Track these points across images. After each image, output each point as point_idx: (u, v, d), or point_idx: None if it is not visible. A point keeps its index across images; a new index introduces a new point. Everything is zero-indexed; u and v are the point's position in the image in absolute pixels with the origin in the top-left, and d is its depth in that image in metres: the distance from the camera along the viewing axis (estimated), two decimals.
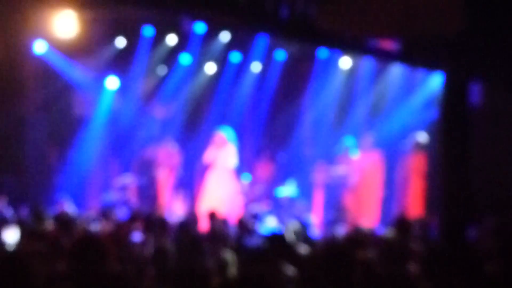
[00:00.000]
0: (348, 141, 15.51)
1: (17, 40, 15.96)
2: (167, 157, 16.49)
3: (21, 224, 9.21)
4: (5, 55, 16.07)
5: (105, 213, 11.43)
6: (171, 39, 16.15)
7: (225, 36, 15.74)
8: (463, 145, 8.08)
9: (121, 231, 8.86)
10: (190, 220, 10.92)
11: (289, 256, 3.81)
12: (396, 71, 14.99)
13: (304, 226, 10.21)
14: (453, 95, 8.11)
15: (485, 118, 12.59)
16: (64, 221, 9.56)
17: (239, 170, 16.09)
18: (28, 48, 15.99)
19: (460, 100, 8.16)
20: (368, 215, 14.47)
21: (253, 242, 3.62)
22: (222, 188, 14.76)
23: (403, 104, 15.58)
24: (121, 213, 12.22)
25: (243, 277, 3.60)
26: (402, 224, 9.08)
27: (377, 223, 13.64)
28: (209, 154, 14.98)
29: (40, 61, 16.07)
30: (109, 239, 7.37)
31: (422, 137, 14.78)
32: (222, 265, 5.92)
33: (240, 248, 3.73)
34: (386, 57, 8.92)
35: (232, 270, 5.80)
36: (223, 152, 14.75)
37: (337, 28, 7.12)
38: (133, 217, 10.45)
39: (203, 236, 8.78)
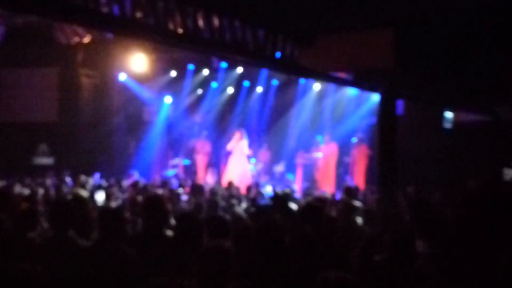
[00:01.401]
0: (318, 137, 15.56)
1: (109, 72, 16.02)
2: (202, 147, 16.49)
3: (108, 189, 9.22)
4: (101, 82, 16.13)
5: (164, 183, 11.41)
6: (205, 71, 16.11)
7: (239, 69, 15.69)
8: (392, 140, 8.00)
9: (173, 194, 8.83)
10: (217, 187, 10.93)
11: (286, 209, 3.78)
12: (349, 92, 14.96)
13: (291, 191, 10.21)
14: (385, 108, 8.03)
15: (406, 122, 12.55)
16: (137, 187, 9.57)
17: (249, 156, 16.14)
18: (115, 77, 16.04)
19: (390, 111, 8.07)
20: (329, 185, 14.47)
21: (262, 201, 3.61)
22: (238, 167, 14.78)
23: (353, 113, 15.55)
24: (173, 183, 12.22)
25: (259, 224, 3.53)
26: (350, 191, 9.07)
27: (334, 190, 13.58)
28: (230, 145, 15.01)
29: (123, 86, 16.13)
30: (166, 199, 7.36)
31: (364, 134, 14.79)
32: (238, 217, 5.93)
33: (254, 205, 3.71)
34: (342, 83, 8.84)
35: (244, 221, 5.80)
36: (240, 144, 14.83)
37: (312, 65, 7.05)
38: (181, 185, 10.44)
39: (224, 197, 8.78)
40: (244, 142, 14.89)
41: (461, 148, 13.24)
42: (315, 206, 5.09)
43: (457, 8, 6.20)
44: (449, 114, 13.64)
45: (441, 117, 13.49)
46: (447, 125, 13.62)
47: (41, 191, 8.87)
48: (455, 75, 8.20)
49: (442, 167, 13.22)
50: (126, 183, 11.17)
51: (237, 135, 14.97)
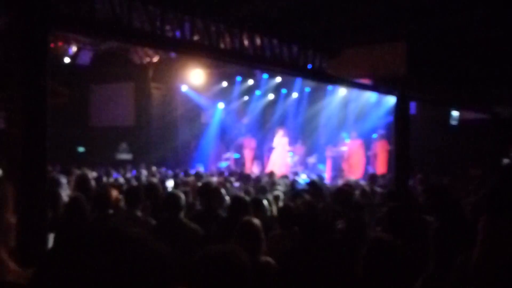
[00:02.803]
0: (343, 134, 15.36)
1: (173, 85, 16.26)
2: (249, 143, 16.52)
3: (175, 178, 9.34)
4: (167, 93, 16.38)
5: (219, 172, 11.49)
6: (250, 81, 16.11)
7: (278, 79, 15.57)
8: (406, 136, 7.79)
9: (226, 181, 8.87)
10: (261, 175, 10.91)
11: (319, 193, 3.75)
12: (369, 95, 14.68)
13: (322, 178, 10.11)
14: (400, 108, 7.82)
15: (418, 121, 12.22)
16: (198, 175, 9.67)
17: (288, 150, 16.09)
18: (179, 89, 16.25)
19: (404, 111, 7.85)
20: (355, 174, 14.22)
21: (299, 186, 3.56)
22: (279, 160, 14.76)
23: (373, 113, 15.23)
24: (226, 172, 12.31)
25: (297, 206, 3.54)
26: (371, 178, 8.91)
27: (360, 178, 13.34)
28: (274, 141, 14.98)
29: (185, 95, 16.32)
30: (221, 185, 7.41)
31: (384, 131, 14.48)
32: (276, 198, 5.91)
33: (293, 189, 3.69)
34: (363, 88, 8.66)
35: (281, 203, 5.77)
36: (281, 140, 14.79)
37: (337, 73, 6.93)
38: (231, 174, 10.47)
39: (268, 183, 8.77)
40: (285, 139, 14.86)
41: (465, 142, 12.88)
42: (345, 190, 5.03)
43: (460, 23, 5.98)
44: (455, 113, 13.18)
45: (448, 116, 13.06)
46: (453, 123, 13.17)
47: (121, 180, 9.07)
48: (460, 79, 7.92)
49: (449, 158, 12.84)
50: (190, 173, 11.29)
51: (279, 132, 14.94)
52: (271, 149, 15.44)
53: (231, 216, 4.10)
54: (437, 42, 6.72)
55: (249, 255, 2.88)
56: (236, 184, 8.67)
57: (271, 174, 10.52)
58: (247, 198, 6.26)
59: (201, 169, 12.81)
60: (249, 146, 16.42)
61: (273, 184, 8.06)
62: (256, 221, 3.35)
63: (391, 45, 6.45)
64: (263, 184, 7.50)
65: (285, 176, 10.52)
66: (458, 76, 7.87)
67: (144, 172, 11.78)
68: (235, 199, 4.44)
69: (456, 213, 3.29)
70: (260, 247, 3.20)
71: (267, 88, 16.39)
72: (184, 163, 15.10)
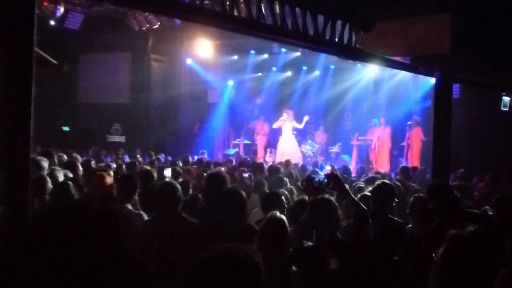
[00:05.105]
0: (373, 120, 15.38)
1: (177, 57, 16.28)
2: (261, 128, 16.58)
3: (174, 166, 9.41)
4: (169, 66, 16.41)
5: (226, 160, 11.56)
6: (265, 56, 16.09)
7: (297, 54, 15.50)
8: (447, 124, 7.77)
9: (235, 171, 8.93)
10: (276, 165, 10.95)
11: (340, 187, 3.78)
12: (405, 76, 14.61)
13: (348, 170, 10.13)
14: (441, 91, 7.78)
15: (461, 105, 12.13)
16: (201, 164, 9.72)
17: (305, 137, 16.11)
18: (183, 62, 16.27)
19: (446, 94, 7.82)
20: (383, 165, 14.26)
21: (319, 178, 3.60)
22: (288, 147, 14.85)
23: (408, 97, 15.21)
24: (235, 161, 12.37)
25: (314, 200, 3.60)
26: (404, 171, 8.92)
27: (388, 170, 13.36)
28: (276, 124, 15.16)
29: (189, 70, 16.35)
30: (228, 175, 7.47)
31: (419, 117, 14.46)
32: (291, 192, 5.96)
33: (309, 182, 3.73)
34: (399, 67, 8.62)
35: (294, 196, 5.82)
36: (288, 125, 14.87)
37: (369, 49, 6.91)
38: (241, 163, 10.54)
39: (284, 174, 8.81)
40: (292, 123, 14.87)
41: None
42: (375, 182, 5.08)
43: None
44: (506, 98, 13.03)
45: (498, 101, 12.92)
46: (504, 109, 13.02)
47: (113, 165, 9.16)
48: None
49: (498, 150, 12.72)
50: (191, 160, 11.37)
51: (284, 115, 14.89)
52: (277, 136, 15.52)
53: (236, 211, 4.13)
54: (488, 14, 6.63)
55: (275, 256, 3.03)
56: (246, 175, 8.72)
57: (287, 163, 10.56)
58: (261, 190, 6.40)
59: (205, 156, 12.90)
60: (262, 131, 16.49)
61: (290, 176, 8.11)
62: (282, 217, 3.46)
63: (433, 18, 6.38)
64: (280, 176, 7.58)
65: (303, 166, 10.57)
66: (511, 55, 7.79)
67: (139, 159, 11.90)
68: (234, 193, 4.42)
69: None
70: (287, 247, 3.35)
71: (285, 64, 16.41)
72: (186, 149, 15.16)
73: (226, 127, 17.26)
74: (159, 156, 11.86)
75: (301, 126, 14.92)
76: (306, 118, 14.90)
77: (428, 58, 7.11)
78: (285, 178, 7.33)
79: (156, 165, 9.86)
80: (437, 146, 7.81)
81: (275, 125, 15.12)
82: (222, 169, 9.30)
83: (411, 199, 4.79)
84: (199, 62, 15.88)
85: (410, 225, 4.74)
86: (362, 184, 6.74)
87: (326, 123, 16.90)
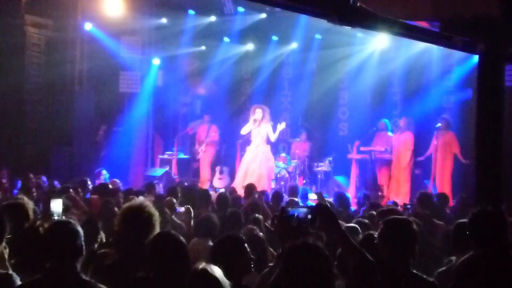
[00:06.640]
0: (383, 121, 15.39)
1: (68, 21, 16.09)
2: (206, 134, 16.52)
3: (66, 195, 9.26)
4: (56, 36, 16.22)
5: (148, 186, 11.46)
6: (212, 19, 16.11)
7: (262, 16, 15.58)
8: (496, 123, 7.90)
9: (164, 204, 8.86)
10: (231, 193, 10.93)
11: (334, 228, 3.76)
12: (431, 51, 14.83)
13: (344, 200, 10.16)
14: (487, 75, 7.92)
15: None
16: (105, 192, 9.59)
17: (276, 148, 16.15)
18: (78, 28, 16.11)
19: (494, 80, 7.96)
20: (399, 192, 14.38)
21: (298, 212, 3.56)
22: (258, 164, 14.68)
23: (435, 84, 15.42)
24: (162, 187, 12.27)
25: (291, 248, 3.57)
26: (425, 200, 9.07)
27: (408, 199, 13.46)
28: (245, 128, 14.94)
29: (89, 41, 16.17)
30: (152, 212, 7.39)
31: (452, 116, 14.65)
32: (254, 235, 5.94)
33: (284, 220, 3.68)
34: (422, 37, 8.75)
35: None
36: (261, 129, 14.72)
37: (377, 10, 7.00)
38: (174, 190, 10.43)
39: (244, 208, 8.80)
40: (268, 126, 14.73)
41: None
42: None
43: None
44: None
45: None
46: None
47: None
48: None
49: None
50: (91, 186, 11.24)
51: (256, 113, 14.79)
52: (245, 144, 15.44)
53: (172, 267, 4.13)
54: None
55: None
56: (181, 209, 8.69)
57: (249, 189, 10.48)
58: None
59: (105, 178, 12.76)
60: (208, 138, 16.44)
61: (254, 209, 8.13)
62: (216, 274, 3.51)
63: None
64: (236, 210, 7.56)
65: (274, 196, 10.56)
66: None
67: (5, 184, 11.67)
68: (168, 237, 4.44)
69: None
70: None
71: (243, 32, 16.52)
72: (85, 167, 14.96)
73: (149, 133, 17.12)
74: (40, 180, 11.67)
75: (273, 138, 14.76)
76: (281, 127, 14.77)
77: (467, 24, 7.24)
78: (255, 215, 7.32)
79: (35, 194, 9.71)
80: (481, 161, 7.95)
81: (244, 131, 14.95)
82: (142, 200, 9.24)
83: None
84: (105, 29, 15.73)
85: None
86: (366, 221, 6.79)
87: (309, 126, 16.98)
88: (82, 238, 4.25)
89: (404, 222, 4.74)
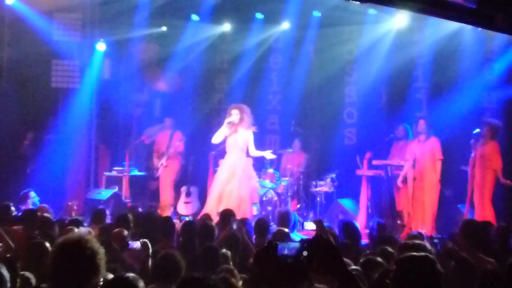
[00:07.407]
0: (403, 126, 15.35)
1: None
2: (167, 143, 16.51)
3: None
4: None
5: (96, 215, 11.46)
6: None
7: None
8: None
9: (109, 235, 8.86)
10: (204, 220, 10.93)
11: (339, 270, 3.73)
12: (465, 33, 14.92)
13: (352, 231, 10.16)
14: None
15: None
16: (33, 221, 9.61)
17: (262, 162, 16.07)
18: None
19: None
20: (425, 220, 14.28)
21: (290, 248, 3.49)
22: (236, 184, 14.48)
23: (471, 77, 15.42)
24: (109, 215, 12.27)
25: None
26: (468, 231, 9.07)
27: (433, 230, 13.48)
28: (218, 135, 14.59)
29: (10, 19, 16.14)
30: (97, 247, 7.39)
31: (496, 120, 14.45)
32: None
33: (271, 258, 3.62)
34: (455, 16, 8.82)
35: None
36: (240, 137, 14.61)
37: None
38: (124, 219, 10.41)
39: (218, 242, 8.81)
40: (248, 133, 14.61)
41: None
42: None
43: None
44: None
45: None
46: None
47: None
48: None
49: None
50: (15, 212, 11.23)
51: (233, 114, 14.67)
52: (217, 156, 15.39)
53: None
54: None
55: None
56: (134, 244, 8.70)
57: (226, 216, 10.51)
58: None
59: (33, 201, 12.73)
60: (171, 149, 16.46)
61: (232, 242, 8.16)
62: None
63: None
64: (211, 245, 7.62)
65: (258, 225, 10.59)
66: None
67: None
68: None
69: None
70: None
71: (217, 7, 16.56)
72: (5, 188, 14.95)
73: (92, 142, 17.13)
74: None
75: (253, 151, 14.54)
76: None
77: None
78: (223, 250, 7.37)
79: None
80: None
81: (216, 138, 14.70)
82: (89, 231, 9.24)
83: None
84: (34, 4, 15.75)
85: None
86: (380, 260, 6.83)
87: (304, 132, 17.05)
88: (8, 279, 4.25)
89: (423, 260, 4.69)
